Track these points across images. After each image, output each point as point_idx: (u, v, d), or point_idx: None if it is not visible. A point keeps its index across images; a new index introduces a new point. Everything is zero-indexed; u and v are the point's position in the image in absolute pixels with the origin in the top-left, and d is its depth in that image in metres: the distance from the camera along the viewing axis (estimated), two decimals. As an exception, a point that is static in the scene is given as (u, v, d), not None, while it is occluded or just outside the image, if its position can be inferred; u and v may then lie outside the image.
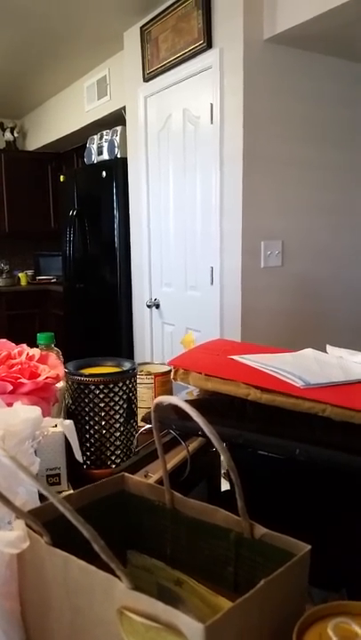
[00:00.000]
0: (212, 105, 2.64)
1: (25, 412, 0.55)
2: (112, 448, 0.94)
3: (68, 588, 0.42)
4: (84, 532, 0.36)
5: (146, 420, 0.70)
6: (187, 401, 0.52)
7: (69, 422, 0.68)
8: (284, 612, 0.40)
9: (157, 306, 3.27)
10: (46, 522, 0.47)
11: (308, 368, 0.66)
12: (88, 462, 0.92)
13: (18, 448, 0.53)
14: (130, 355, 3.55)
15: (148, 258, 3.29)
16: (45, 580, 0.44)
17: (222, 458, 0.42)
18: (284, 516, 0.57)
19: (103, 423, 0.92)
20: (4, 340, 0.90)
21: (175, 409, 0.69)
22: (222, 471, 0.88)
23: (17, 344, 0.95)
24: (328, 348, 0.78)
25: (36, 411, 0.56)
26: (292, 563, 0.40)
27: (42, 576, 0.45)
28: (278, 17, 2.42)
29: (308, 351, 0.76)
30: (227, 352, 0.75)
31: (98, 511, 0.54)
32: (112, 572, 0.39)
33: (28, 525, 0.46)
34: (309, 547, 0.43)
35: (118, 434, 0.94)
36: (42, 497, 0.61)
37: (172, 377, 0.71)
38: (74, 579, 0.42)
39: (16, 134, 5.28)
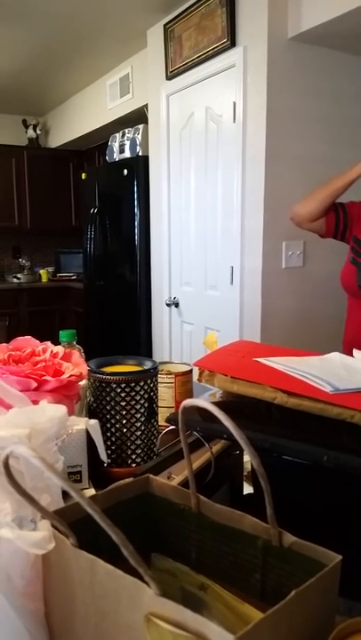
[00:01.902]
0: (234, 103, 2.62)
1: (51, 411, 0.55)
2: (133, 447, 0.94)
3: (94, 591, 0.42)
4: (113, 536, 0.36)
5: (170, 421, 0.70)
6: (213, 403, 0.51)
7: (95, 422, 0.67)
8: (314, 624, 0.39)
9: (177, 305, 3.26)
10: (70, 522, 0.47)
11: (337, 373, 0.65)
12: (108, 461, 0.92)
13: (44, 447, 0.53)
14: (148, 353, 3.55)
15: (168, 256, 3.29)
16: (71, 582, 0.44)
17: (253, 463, 0.42)
18: (307, 522, 0.56)
19: (124, 422, 0.92)
20: (29, 337, 0.90)
21: (199, 411, 0.68)
22: (244, 474, 0.87)
23: (37, 340, 0.95)
24: (355, 352, 0.77)
25: (61, 409, 0.56)
26: (324, 573, 0.39)
27: (67, 578, 0.45)
28: (303, 15, 2.39)
29: (335, 355, 0.75)
30: (251, 354, 0.74)
31: (122, 513, 0.54)
32: (138, 575, 0.39)
33: (53, 526, 0.46)
34: (340, 557, 0.42)
35: (139, 433, 0.94)
36: (65, 496, 0.61)
37: (196, 378, 0.70)
38: (100, 582, 0.41)
39: (39, 131, 5.31)
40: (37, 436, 0.52)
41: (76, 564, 0.43)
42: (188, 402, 0.47)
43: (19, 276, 5.09)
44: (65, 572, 0.45)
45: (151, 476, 0.57)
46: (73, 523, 0.47)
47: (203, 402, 0.44)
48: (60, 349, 0.89)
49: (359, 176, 1.77)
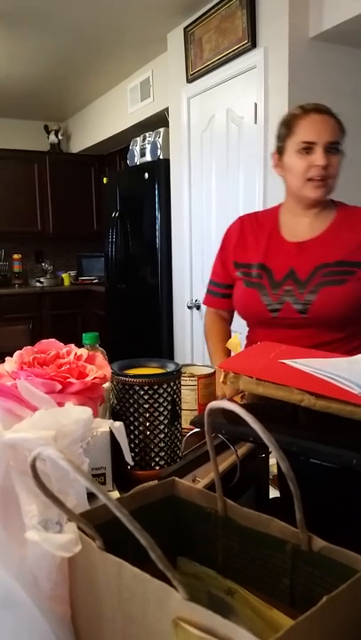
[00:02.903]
0: (256, 105, 2.61)
1: (77, 413, 0.55)
2: (156, 449, 0.93)
3: (122, 595, 0.42)
4: (141, 539, 0.35)
5: (195, 423, 0.69)
6: (240, 406, 0.50)
7: (120, 424, 0.67)
8: (345, 631, 0.38)
9: (198, 307, 3.26)
10: (96, 525, 0.47)
11: (365, 374, 0.64)
12: (132, 463, 0.91)
13: (69, 449, 0.53)
14: (170, 355, 3.55)
15: (190, 259, 3.28)
16: (97, 586, 0.44)
17: (282, 467, 0.41)
18: (335, 527, 0.55)
19: (147, 424, 0.92)
20: (53, 339, 0.90)
21: (224, 413, 0.67)
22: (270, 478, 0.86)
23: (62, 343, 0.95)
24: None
25: (87, 412, 0.56)
26: (357, 578, 0.38)
27: (94, 581, 0.44)
28: (325, 14, 2.37)
29: (363, 356, 0.74)
30: (276, 356, 0.73)
31: (148, 515, 0.53)
32: (164, 579, 0.38)
33: (79, 528, 0.46)
34: (373, 563, 0.41)
35: (162, 435, 0.94)
36: (89, 498, 0.60)
37: (221, 380, 0.70)
38: (127, 586, 0.41)
39: (60, 137, 5.37)
40: (63, 438, 0.52)
41: (103, 568, 0.43)
42: (214, 404, 0.46)
43: (41, 279, 5.15)
44: (91, 576, 0.45)
45: (177, 479, 0.57)
46: (99, 525, 0.47)
47: (230, 404, 0.44)
48: (83, 352, 0.89)
49: None
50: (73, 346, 0.91)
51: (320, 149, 1.30)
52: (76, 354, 0.87)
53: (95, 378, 0.82)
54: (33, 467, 0.41)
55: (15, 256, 5.19)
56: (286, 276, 1.36)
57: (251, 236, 1.47)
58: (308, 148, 1.30)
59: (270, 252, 1.41)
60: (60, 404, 0.68)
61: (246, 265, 1.45)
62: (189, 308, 3.30)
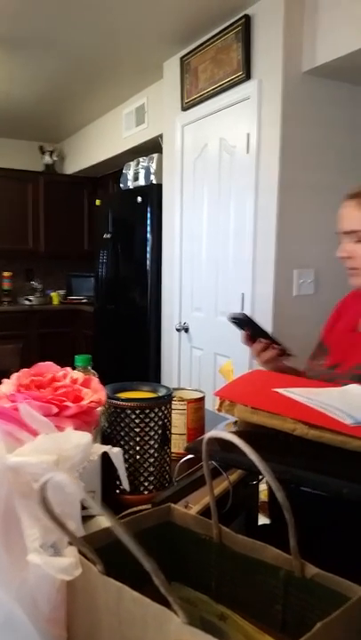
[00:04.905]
0: (248, 135, 2.68)
1: (76, 438, 0.56)
2: (145, 474, 0.94)
3: (121, 618, 0.43)
4: (145, 564, 0.37)
5: (190, 450, 0.71)
6: (235, 434, 0.52)
7: (118, 450, 0.69)
8: (338, 657, 0.40)
9: (186, 330, 3.28)
10: (96, 548, 0.48)
11: (357, 405, 0.66)
12: (128, 488, 0.92)
13: (69, 474, 0.54)
14: (157, 378, 3.56)
15: (179, 282, 3.32)
16: (97, 609, 0.45)
17: (277, 496, 0.43)
18: (327, 554, 0.56)
19: (138, 448, 0.93)
20: (50, 362, 0.92)
21: (218, 440, 0.69)
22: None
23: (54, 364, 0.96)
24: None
25: (86, 437, 0.58)
26: (350, 605, 0.40)
27: (93, 604, 0.45)
28: (317, 50, 2.46)
29: (353, 387, 0.76)
30: (270, 384, 0.75)
31: (144, 540, 0.54)
32: (162, 602, 0.40)
33: (80, 552, 0.47)
34: (363, 590, 0.42)
35: (152, 460, 0.94)
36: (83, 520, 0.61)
37: (216, 408, 0.72)
38: (127, 609, 0.42)
39: (55, 158, 5.42)
40: (64, 462, 0.53)
41: (103, 591, 0.44)
42: (212, 434, 0.48)
43: (30, 298, 5.15)
44: (91, 598, 0.46)
45: (172, 505, 0.58)
46: (98, 549, 0.48)
47: (228, 434, 0.46)
48: (79, 375, 0.90)
49: None
50: (69, 369, 0.92)
51: (343, 239, 1.26)
52: (72, 377, 0.88)
53: (91, 402, 0.83)
54: (42, 492, 0.42)
55: (5, 273, 5.19)
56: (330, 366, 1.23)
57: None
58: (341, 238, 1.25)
59: (335, 331, 1.32)
60: (59, 428, 0.69)
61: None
62: (178, 330, 3.32)
